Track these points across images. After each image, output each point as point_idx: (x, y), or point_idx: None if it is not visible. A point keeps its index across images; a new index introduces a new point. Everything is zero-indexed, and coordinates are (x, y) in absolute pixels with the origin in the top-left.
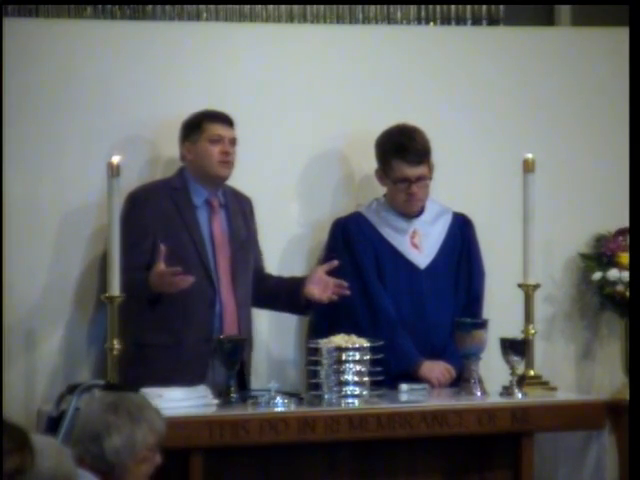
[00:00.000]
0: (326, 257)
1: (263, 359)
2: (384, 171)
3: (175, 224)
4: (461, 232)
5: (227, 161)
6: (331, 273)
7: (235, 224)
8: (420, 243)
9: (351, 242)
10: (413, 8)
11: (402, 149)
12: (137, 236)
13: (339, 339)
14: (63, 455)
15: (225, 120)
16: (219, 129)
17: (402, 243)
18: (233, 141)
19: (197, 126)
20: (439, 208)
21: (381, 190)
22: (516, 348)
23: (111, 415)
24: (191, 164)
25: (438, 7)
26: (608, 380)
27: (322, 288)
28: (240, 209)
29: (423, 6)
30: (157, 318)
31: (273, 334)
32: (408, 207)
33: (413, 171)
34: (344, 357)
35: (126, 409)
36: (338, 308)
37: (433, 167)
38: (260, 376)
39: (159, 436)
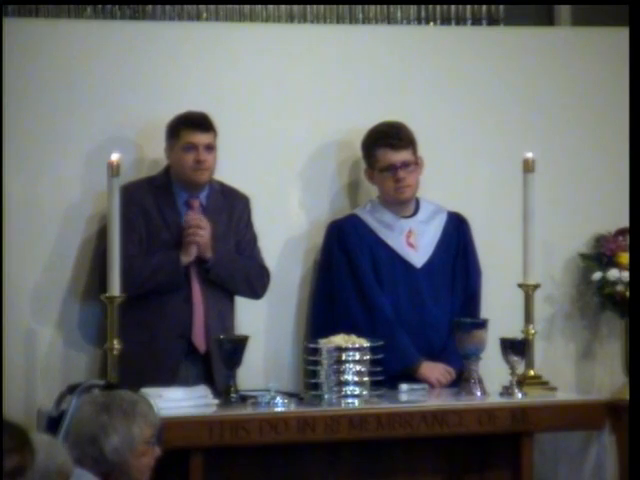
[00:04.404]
0: (322, 259)
1: (259, 359)
2: (371, 167)
3: (156, 222)
4: (457, 231)
5: (201, 169)
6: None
7: (212, 221)
8: (416, 242)
9: (347, 243)
10: (413, 8)
11: (384, 136)
12: (125, 229)
13: (339, 339)
14: (54, 447)
15: (200, 125)
16: (193, 136)
17: (398, 243)
18: (209, 146)
19: (174, 132)
20: (434, 207)
21: (377, 191)
22: (516, 348)
23: (105, 415)
24: (172, 167)
25: (438, 7)
26: (608, 380)
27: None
28: (226, 205)
29: (423, 6)
30: (134, 314)
31: (271, 334)
32: (399, 195)
33: (397, 156)
34: (344, 357)
35: (119, 407)
36: (336, 308)
37: (422, 161)
38: (258, 376)
39: (155, 428)
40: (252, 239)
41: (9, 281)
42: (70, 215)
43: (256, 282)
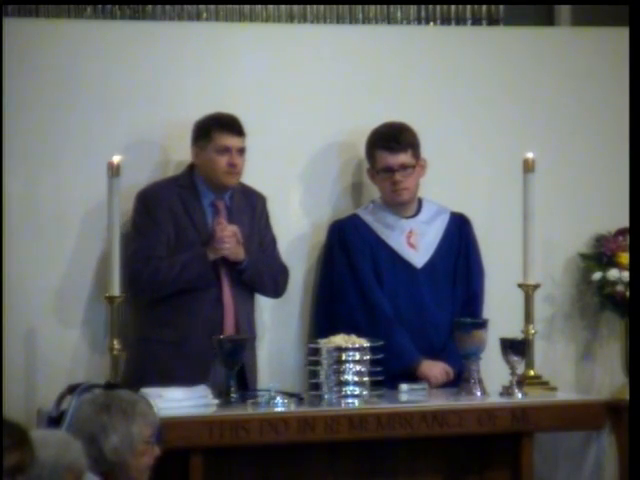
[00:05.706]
0: (323, 259)
1: (263, 359)
2: (372, 166)
3: (184, 222)
4: (459, 231)
5: (233, 172)
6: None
7: (237, 222)
8: (417, 242)
9: (347, 243)
10: (413, 8)
11: (383, 138)
12: (154, 229)
13: (339, 339)
14: (67, 445)
15: (234, 129)
16: (227, 139)
17: (399, 243)
18: (241, 150)
19: (206, 133)
20: (436, 208)
21: (379, 192)
22: (516, 348)
23: (105, 415)
24: (199, 168)
25: (438, 7)
26: (608, 380)
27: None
28: (248, 205)
29: (423, 6)
30: (163, 313)
31: (273, 334)
32: (395, 197)
33: (394, 159)
34: (344, 357)
35: (119, 407)
36: (337, 308)
37: (425, 163)
38: (260, 376)
39: (154, 427)
40: (272, 238)
41: (9, 281)
42: (71, 216)
43: (281, 281)
